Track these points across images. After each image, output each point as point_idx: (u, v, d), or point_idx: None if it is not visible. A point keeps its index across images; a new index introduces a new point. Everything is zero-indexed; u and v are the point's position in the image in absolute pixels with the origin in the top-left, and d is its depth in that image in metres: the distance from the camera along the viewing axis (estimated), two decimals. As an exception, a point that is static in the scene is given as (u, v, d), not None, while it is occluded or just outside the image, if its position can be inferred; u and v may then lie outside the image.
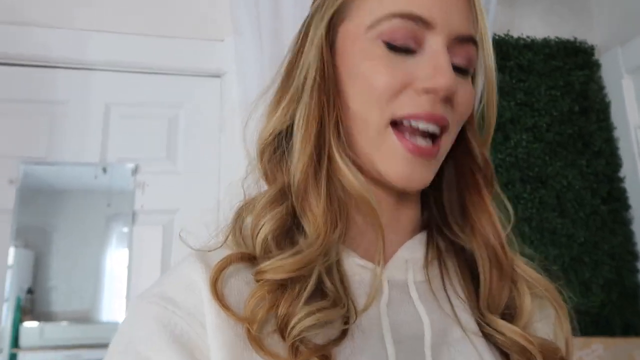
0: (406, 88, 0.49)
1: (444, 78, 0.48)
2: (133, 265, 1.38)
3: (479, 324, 0.53)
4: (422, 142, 0.50)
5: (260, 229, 0.49)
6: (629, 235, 1.63)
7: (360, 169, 0.52)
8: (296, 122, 0.52)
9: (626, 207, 1.65)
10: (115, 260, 1.42)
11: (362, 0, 0.52)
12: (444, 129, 0.51)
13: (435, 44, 0.50)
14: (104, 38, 1.49)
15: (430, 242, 0.58)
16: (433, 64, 0.49)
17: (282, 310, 0.44)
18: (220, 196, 1.47)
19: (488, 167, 0.57)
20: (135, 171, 1.44)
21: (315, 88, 0.52)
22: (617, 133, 1.72)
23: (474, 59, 0.53)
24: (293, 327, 0.43)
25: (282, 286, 0.45)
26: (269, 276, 0.45)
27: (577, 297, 1.54)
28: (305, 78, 0.53)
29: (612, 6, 1.81)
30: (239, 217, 0.53)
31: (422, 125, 0.49)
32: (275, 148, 0.54)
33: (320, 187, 0.50)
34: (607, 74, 1.77)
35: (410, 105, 0.49)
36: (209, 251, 0.51)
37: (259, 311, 0.44)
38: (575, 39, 1.81)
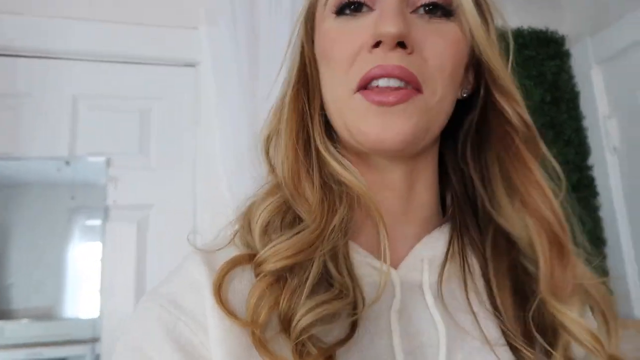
0: (362, 50, 0.46)
1: (386, 22, 0.44)
2: (106, 261, 1.34)
3: (505, 334, 0.48)
4: (391, 87, 0.45)
5: (258, 220, 0.47)
6: (597, 222, 1.68)
7: (353, 154, 0.50)
8: (282, 122, 0.52)
9: (594, 194, 1.71)
10: (79, 254, 1.38)
11: None
12: (414, 83, 0.45)
13: None
14: (69, 25, 1.41)
15: (454, 236, 0.53)
16: (380, 12, 0.46)
17: (283, 306, 0.41)
18: (197, 192, 1.43)
19: (529, 128, 0.50)
20: (107, 165, 1.38)
21: (295, 86, 0.52)
22: (586, 122, 1.76)
23: None
24: (296, 325, 0.40)
25: (282, 278, 0.43)
26: (267, 267, 0.43)
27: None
28: (290, 78, 0.53)
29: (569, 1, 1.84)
30: (247, 213, 0.50)
31: (382, 82, 0.45)
32: (274, 146, 0.54)
33: (313, 178, 0.48)
34: (577, 64, 1.81)
35: (363, 66, 0.46)
36: (216, 250, 0.48)
37: (261, 311, 0.41)
38: (547, 29, 1.84)
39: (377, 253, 0.48)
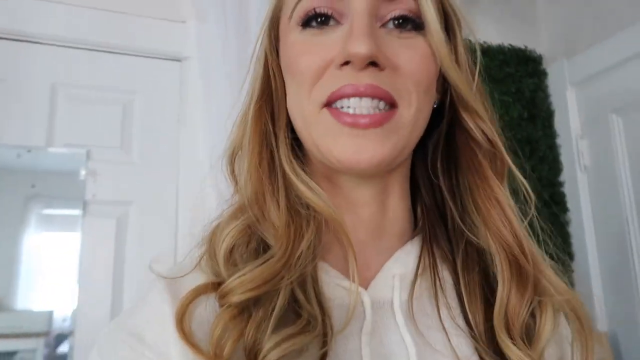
0: (330, 65, 0.45)
1: (356, 42, 0.42)
2: (84, 255, 1.28)
3: (478, 351, 0.46)
4: (363, 111, 0.44)
5: (222, 245, 0.45)
6: (566, 237, 1.75)
7: (322, 172, 0.49)
8: (245, 138, 0.49)
9: (565, 210, 1.77)
10: (34, 244, 1.31)
11: None
12: (387, 99, 0.44)
13: (353, 8, 0.45)
14: (51, 8, 1.34)
15: (424, 249, 0.51)
16: (349, 29, 0.44)
17: (248, 339, 0.39)
18: (179, 190, 1.39)
19: (493, 145, 0.50)
20: (87, 158, 1.32)
21: (258, 101, 0.50)
22: (559, 140, 1.83)
23: (418, 10, 0.46)
24: None
25: (247, 309, 0.41)
26: (231, 299, 0.41)
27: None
28: (253, 91, 0.51)
29: (557, 19, 1.91)
30: (211, 237, 0.48)
31: (354, 103, 0.44)
32: (239, 163, 0.52)
33: (279, 200, 0.46)
34: (552, 84, 1.88)
35: (333, 82, 0.44)
36: (181, 276, 0.46)
37: (225, 344, 0.39)
38: (526, 47, 1.90)
39: (348, 272, 0.46)
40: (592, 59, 1.72)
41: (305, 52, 0.46)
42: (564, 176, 1.80)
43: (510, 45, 1.87)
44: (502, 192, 0.50)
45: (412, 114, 0.46)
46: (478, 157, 0.50)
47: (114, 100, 1.41)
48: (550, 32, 1.93)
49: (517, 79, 1.83)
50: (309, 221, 0.45)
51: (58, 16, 1.35)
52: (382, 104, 0.44)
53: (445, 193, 0.53)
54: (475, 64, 0.52)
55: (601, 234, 1.69)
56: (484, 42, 1.82)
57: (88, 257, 1.28)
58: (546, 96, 1.87)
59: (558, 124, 1.84)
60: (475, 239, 0.49)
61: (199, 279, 0.45)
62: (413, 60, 0.45)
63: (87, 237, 1.29)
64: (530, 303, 0.47)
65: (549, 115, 1.85)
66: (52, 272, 1.32)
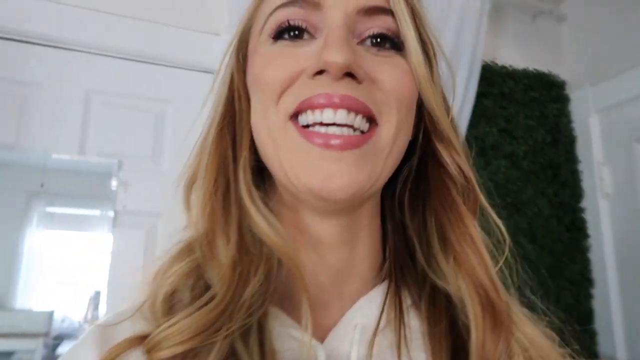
0: (301, 75, 0.41)
1: (332, 51, 0.39)
2: (113, 267, 1.27)
3: None
4: (338, 131, 0.40)
5: (162, 289, 0.41)
6: (586, 263, 1.75)
7: (285, 200, 0.45)
8: (202, 166, 0.45)
9: (585, 236, 1.78)
10: (36, 243, 1.29)
11: (256, 15, 0.47)
12: (366, 112, 0.41)
13: (329, 22, 0.42)
14: (88, 16, 1.34)
15: (390, 296, 0.46)
16: (324, 41, 0.41)
17: None
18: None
19: (467, 181, 0.46)
20: (119, 168, 1.32)
21: (219, 124, 0.46)
22: (581, 166, 1.84)
23: (397, 30, 0.43)
24: None
25: None
26: (157, 355, 0.36)
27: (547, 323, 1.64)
28: (214, 115, 0.47)
29: (582, 46, 1.93)
30: (155, 278, 0.43)
31: (328, 117, 0.40)
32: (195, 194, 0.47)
33: (230, 233, 0.41)
34: (576, 110, 1.89)
35: (303, 92, 0.41)
36: (119, 322, 0.42)
37: None
38: (550, 72, 1.91)
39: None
40: (617, 87, 1.74)
41: (275, 62, 0.42)
42: (585, 202, 1.81)
43: (535, 69, 1.89)
44: (476, 230, 0.45)
45: (392, 134, 0.42)
46: (452, 192, 0.46)
47: (146, 110, 1.41)
48: (575, 58, 1.95)
49: (541, 103, 1.84)
50: (260, 260, 0.41)
51: (95, 24, 1.35)
52: (358, 120, 0.40)
53: (412, 231, 0.48)
54: (449, 108, 0.48)
55: (622, 261, 1.69)
56: (510, 66, 1.83)
57: (116, 268, 1.27)
58: (569, 122, 1.88)
59: (580, 149, 1.85)
60: (441, 283, 0.45)
61: (138, 326, 0.40)
62: (393, 75, 0.42)
63: (116, 248, 1.28)
64: (506, 353, 0.43)
65: (571, 140, 1.86)
66: (54, 272, 1.29)
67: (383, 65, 0.42)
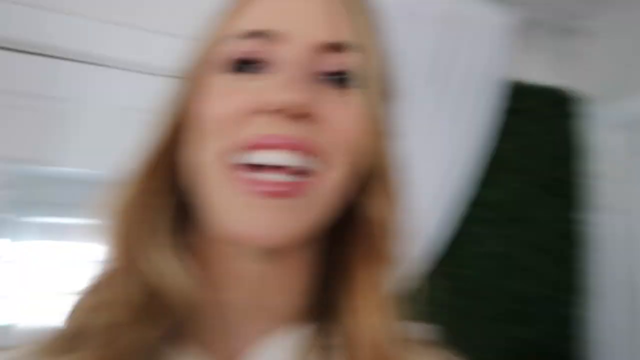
0: (247, 112, 0.39)
1: (286, 89, 0.37)
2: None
3: None
4: (270, 177, 0.37)
5: (66, 325, 0.40)
6: (594, 279, 1.80)
7: (210, 236, 0.42)
8: (122, 200, 0.42)
9: (589, 250, 1.83)
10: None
11: (211, 43, 0.44)
12: (313, 154, 0.38)
13: (285, 57, 0.40)
14: (122, 32, 1.36)
15: (318, 339, 0.43)
16: (279, 77, 0.39)
17: None
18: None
19: (382, 233, 0.43)
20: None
21: (148, 158, 0.43)
22: (593, 182, 1.87)
23: (357, 67, 0.41)
24: None
25: None
26: None
27: (559, 335, 1.70)
28: (143, 150, 0.44)
29: (599, 63, 1.95)
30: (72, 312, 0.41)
31: (271, 158, 0.37)
32: None
33: (134, 274, 0.40)
34: (590, 125, 1.92)
35: (244, 130, 0.38)
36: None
37: None
38: (566, 87, 1.93)
39: (217, 355, 0.41)
40: (633, 104, 1.77)
41: (220, 94, 0.40)
42: (597, 217, 1.85)
43: (551, 84, 1.90)
44: (382, 282, 0.43)
45: (336, 183, 0.40)
46: (366, 243, 0.43)
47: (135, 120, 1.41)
48: (591, 74, 1.97)
49: (556, 117, 1.87)
50: (162, 301, 0.39)
51: (130, 40, 1.36)
52: (304, 161, 0.38)
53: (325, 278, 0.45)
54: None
55: (631, 278, 1.74)
56: (531, 83, 1.85)
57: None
58: (583, 137, 1.91)
59: (593, 165, 1.88)
60: (341, 328, 0.43)
61: None
62: (349, 117, 0.40)
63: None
64: None
65: (585, 155, 1.90)
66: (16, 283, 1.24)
67: (339, 106, 0.40)
